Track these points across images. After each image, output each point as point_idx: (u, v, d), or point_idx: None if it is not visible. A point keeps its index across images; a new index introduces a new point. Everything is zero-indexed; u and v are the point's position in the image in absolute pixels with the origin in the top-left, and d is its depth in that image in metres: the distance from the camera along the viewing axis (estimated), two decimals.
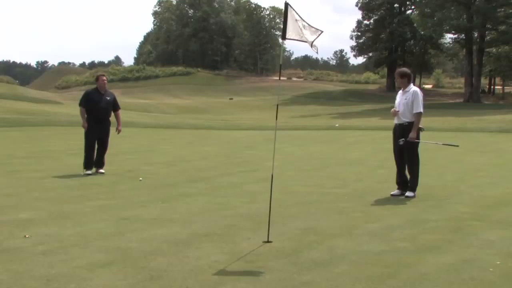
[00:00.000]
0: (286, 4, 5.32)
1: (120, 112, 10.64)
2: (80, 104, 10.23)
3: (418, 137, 8.03)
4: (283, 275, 4.36)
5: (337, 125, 27.40)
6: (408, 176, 8.17)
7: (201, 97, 70.00)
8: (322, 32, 5.52)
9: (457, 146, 9.10)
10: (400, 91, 8.25)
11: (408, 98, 7.99)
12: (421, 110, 7.94)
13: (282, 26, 5.47)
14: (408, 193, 7.94)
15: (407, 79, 8.10)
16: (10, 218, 6.24)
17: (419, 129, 8.01)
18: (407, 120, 8.00)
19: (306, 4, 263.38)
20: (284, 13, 5.40)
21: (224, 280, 4.23)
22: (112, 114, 10.44)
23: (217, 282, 4.18)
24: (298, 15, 5.47)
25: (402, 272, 4.48)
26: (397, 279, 4.30)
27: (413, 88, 8.13)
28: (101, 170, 10.10)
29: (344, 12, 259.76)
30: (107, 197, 7.74)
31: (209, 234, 5.65)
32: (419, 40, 70.48)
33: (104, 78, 10.47)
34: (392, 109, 8.21)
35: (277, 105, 6.29)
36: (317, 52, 5.74)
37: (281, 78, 69.33)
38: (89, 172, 9.92)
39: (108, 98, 10.28)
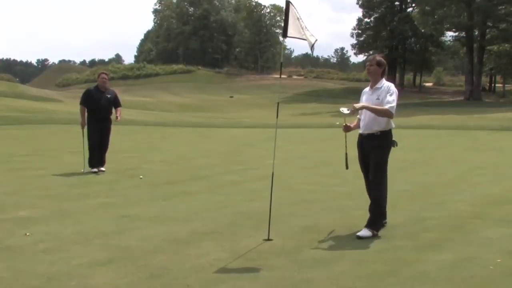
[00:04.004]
0: (288, 2, 5.32)
1: (121, 109, 10.57)
2: (81, 103, 10.20)
3: (389, 148, 5.82)
4: (283, 273, 4.37)
5: (337, 123, 27.36)
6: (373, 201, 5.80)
7: (201, 95, 69.95)
8: (317, 40, 5.50)
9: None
10: (367, 89, 5.91)
11: (381, 97, 5.66)
12: (394, 107, 5.63)
13: (282, 24, 5.47)
14: (363, 231, 5.56)
15: (383, 71, 5.82)
16: (11, 216, 6.25)
17: (392, 143, 5.81)
18: (379, 129, 5.71)
19: (305, 3, 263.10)
20: (285, 11, 5.39)
21: (224, 278, 4.23)
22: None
23: (217, 280, 4.18)
24: (299, 15, 5.46)
25: (403, 270, 4.49)
26: (398, 277, 4.31)
27: (387, 83, 5.79)
28: (102, 168, 10.09)
29: (343, 10, 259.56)
30: (108, 195, 7.75)
31: (209, 232, 5.66)
32: (420, 38, 70.42)
33: (104, 76, 10.38)
34: (344, 124, 5.93)
35: (278, 103, 6.29)
36: (312, 53, 5.78)
37: (282, 76, 69.33)
38: (95, 170, 9.91)
39: (108, 96, 10.24)
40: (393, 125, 5.79)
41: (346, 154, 5.95)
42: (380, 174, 5.71)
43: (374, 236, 5.53)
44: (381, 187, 5.71)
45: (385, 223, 5.90)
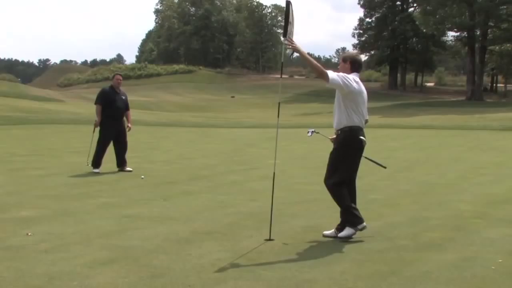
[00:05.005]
0: (288, 3, 5.30)
1: (130, 112, 10.63)
2: (96, 102, 10.18)
3: (348, 147, 5.47)
4: (284, 273, 4.36)
5: None
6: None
7: (202, 95, 69.99)
8: (292, 53, 5.36)
9: (385, 167, 6.63)
10: None
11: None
12: (333, 78, 5.20)
13: (283, 24, 5.42)
14: (342, 232, 5.46)
15: (352, 67, 5.50)
16: (12, 216, 6.25)
17: (360, 142, 5.43)
18: (338, 128, 5.46)
19: (305, 2, 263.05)
20: (285, 12, 5.38)
21: (225, 278, 4.23)
22: None
23: (218, 280, 4.18)
24: (291, 19, 5.40)
25: (404, 270, 4.48)
26: (399, 277, 4.30)
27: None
28: (128, 168, 10.10)
29: (343, 9, 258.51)
30: (109, 195, 7.75)
31: (211, 232, 5.66)
32: (421, 38, 70.36)
33: (120, 77, 10.52)
34: (330, 138, 5.78)
35: (279, 103, 6.30)
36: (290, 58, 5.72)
37: (283, 76, 69.25)
38: (96, 170, 9.90)
39: (123, 97, 10.34)
40: (355, 122, 5.40)
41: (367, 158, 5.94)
42: (330, 169, 5.55)
43: (355, 232, 5.40)
44: (328, 182, 5.58)
45: (363, 227, 5.46)
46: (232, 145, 16.69)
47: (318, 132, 6.11)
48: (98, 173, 9.82)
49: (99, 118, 10.05)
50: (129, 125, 10.42)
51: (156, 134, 20.55)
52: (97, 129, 10.15)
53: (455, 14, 57.57)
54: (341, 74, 5.35)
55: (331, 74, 5.24)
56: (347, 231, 5.43)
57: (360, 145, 5.42)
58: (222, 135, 21.03)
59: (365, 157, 5.90)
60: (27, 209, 6.64)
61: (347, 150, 5.45)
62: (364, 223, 5.45)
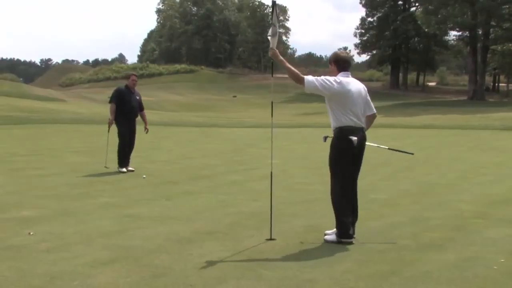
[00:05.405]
0: (273, 3, 5.31)
1: (145, 112, 10.71)
2: (111, 101, 10.22)
3: (337, 147, 5.39)
4: (286, 272, 4.37)
5: None
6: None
7: (204, 94, 69.96)
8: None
9: (412, 154, 6.97)
10: None
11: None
12: (311, 81, 5.21)
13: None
14: (329, 236, 5.40)
15: (338, 66, 5.43)
16: (13, 216, 6.26)
17: (349, 140, 5.24)
18: (332, 128, 5.42)
19: (306, 2, 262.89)
20: (272, 10, 5.42)
21: (227, 277, 4.24)
22: None
23: (220, 280, 4.18)
24: (274, 21, 5.40)
25: (405, 270, 4.48)
26: (400, 276, 4.30)
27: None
28: (130, 168, 10.17)
29: (344, 9, 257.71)
30: (110, 194, 7.76)
31: (212, 231, 5.66)
32: (423, 38, 70.29)
33: (135, 77, 10.58)
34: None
35: (272, 102, 6.35)
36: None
37: (284, 76, 69.12)
38: (124, 170, 9.98)
39: (137, 98, 10.42)
40: (344, 123, 5.27)
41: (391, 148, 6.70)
42: (331, 172, 5.41)
43: (339, 243, 5.22)
44: (331, 189, 5.41)
45: (347, 243, 5.24)
46: (232, 145, 16.70)
47: (331, 137, 6.07)
48: (125, 172, 9.89)
49: (113, 117, 10.12)
50: (147, 127, 10.62)
51: (157, 134, 20.53)
52: (112, 130, 10.19)
53: (457, 14, 57.48)
54: (321, 77, 5.22)
55: (308, 78, 5.14)
56: (332, 237, 5.33)
57: (351, 145, 5.22)
58: (223, 135, 21.04)
59: (389, 148, 6.73)
60: (27, 209, 6.65)
61: (339, 151, 5.33)
62: (351, 240, 5.29)
